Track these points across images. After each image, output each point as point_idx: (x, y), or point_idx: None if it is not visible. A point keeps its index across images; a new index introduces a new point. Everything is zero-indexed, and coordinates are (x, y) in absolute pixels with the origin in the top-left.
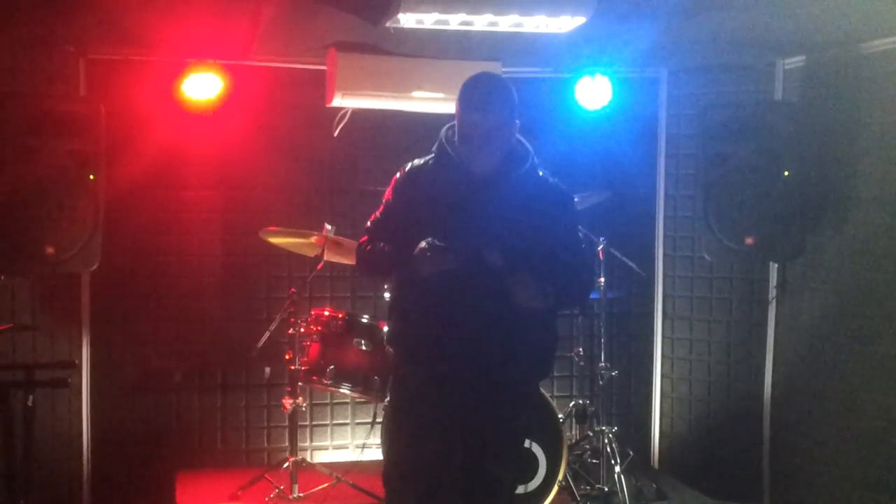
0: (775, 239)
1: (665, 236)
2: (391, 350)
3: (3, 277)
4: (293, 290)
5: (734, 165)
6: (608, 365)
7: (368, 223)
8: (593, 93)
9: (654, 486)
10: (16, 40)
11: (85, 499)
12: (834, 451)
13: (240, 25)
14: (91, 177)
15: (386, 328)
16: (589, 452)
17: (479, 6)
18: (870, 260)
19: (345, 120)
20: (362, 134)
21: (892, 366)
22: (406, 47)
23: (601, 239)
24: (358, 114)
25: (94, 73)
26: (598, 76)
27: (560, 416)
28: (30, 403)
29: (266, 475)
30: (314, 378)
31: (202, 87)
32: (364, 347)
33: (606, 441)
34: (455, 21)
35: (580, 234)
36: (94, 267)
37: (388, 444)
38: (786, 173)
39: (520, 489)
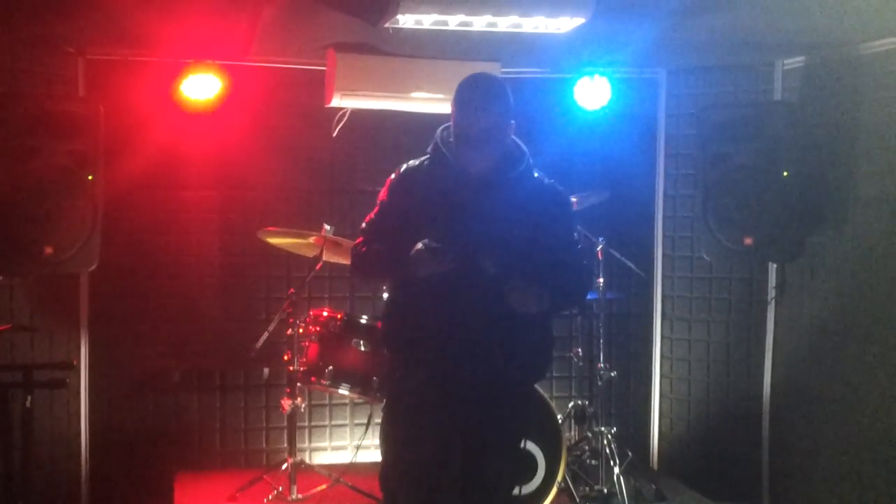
0: (774, 239)
1: (664, 237)
2: (387, 351)
3: (1, 278)
4: (292, 290)
5: (733, 166)
6: (607, 366)
7: (363, 224)
8: (592, 93)
9: (654, 486)
10: (15, 40)
11: (83, 500)
12: (833, 451)
13: (239, 26)
14: (90, 177)
15: (381, 328)
16: (588, 453)
17: (478, 7)
18: (869, 260)
19: (344, 120)
20: (361, 134)
21: (891, 366)
22: (405, 48)
23: (600, 239)
24: (357, 114)
25: (92, 73)
26: (597, 77)
27: (559, 416)
28: (28, 404)
29: (265, 476)
30: (313, 379)
31: (201, 87)
32: (363, 348)
33: (605, 442)
34: (454, 22)
35: (576, 235)
36: (93, 267)
37: (386, 445)
38: (785, 173)
39: (519, 490)
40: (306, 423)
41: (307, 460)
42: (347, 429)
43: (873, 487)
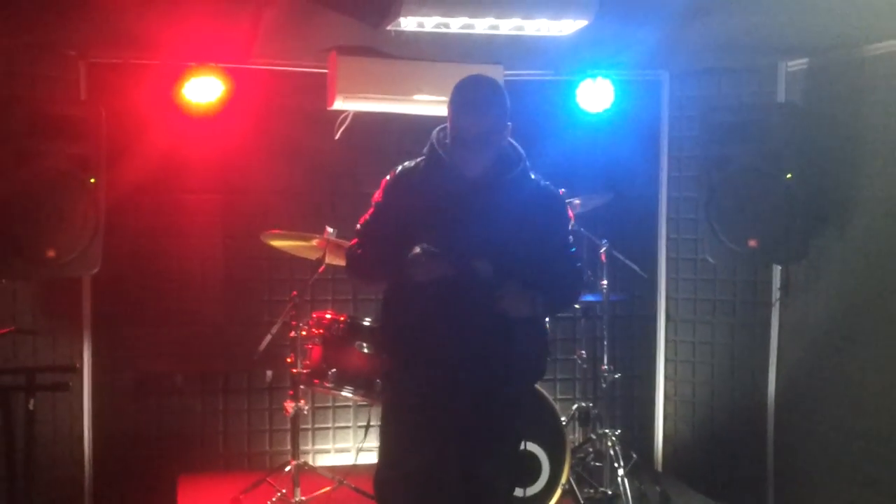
0: (778, 241)
1: (668, 239)
2: (383, 354)
3: (4, 281)
4: (295, 293)
5: (737, 168)
6: (611, 367)
7: (358, 226)
8: (595, 96)
9: (658, 488)
10: (16, 44)
11: (86, 502)
12: (838, 453)
13: (240, 28)
14: (92, 180)
15: (377, 333)
16: (592, 455)
17: (480, 9)
18: (873, 262)
19: (346, 123)
20: (363, 137)
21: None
22: (407, 50)
23: (604, 241)
24: (359, 117)
25: (94, 76)
26: (599, 79)
27: (563, 419)
28: (31, 407)
29: (268, 479)
30: (316, 381)
31: (203, 90)
32: (366, 350)
33: (609, 444)
34: (456, 24)
35: (571, 238)
36: (95, 270)
37: (382, 448)
38: (788, 175)
39: (523, 492)
40: (309, 426)
41: (310, 462)
42: (351, 431)
43: (878, 490)
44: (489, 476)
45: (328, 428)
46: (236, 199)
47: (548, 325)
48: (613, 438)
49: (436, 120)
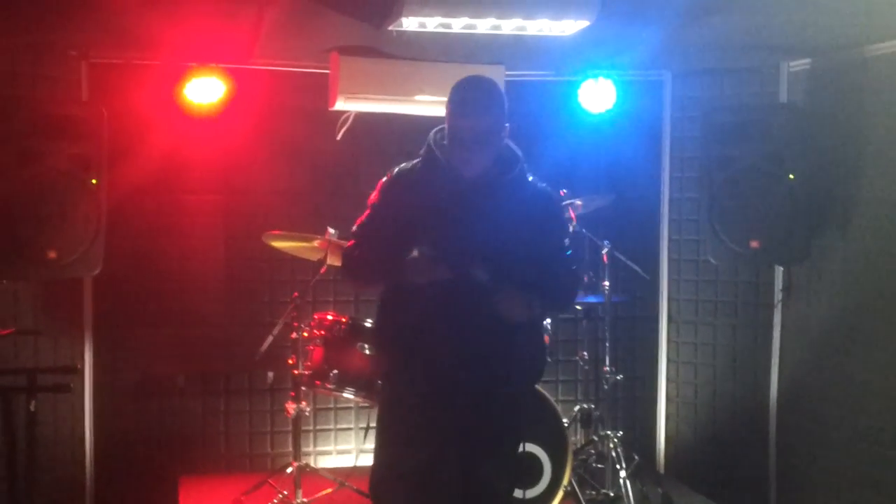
0: (780, 242)
1: (669, 240)
2: (380, 355)
3: (5, 282)
4: (296, 294)
5: (739, 168)
6: (613, 369)
7: (354, 228)
8: (597, 96)
9: (660, 490)
10: (18, 44)
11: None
12: (840, 455)
13: (242, 29)
14: (93, 181)
15: (374, 333)
16: (594, 457)
17: (482, 10)
18: (875, 263)
19: (347, 123)
20: (365, 137)
21: None
22: (409, 51)
23: (605, 242)
24: (361, 117)
25: (96, 76)
26: (601, 79)
27: (565, 420)
28: (32, 408)
29: (269, 480)
30: (317, 382)
31: (204, 90)
32: (367, 352)
33: (611, 445)
34: (458, 25)
35: (567, 240)
36: (97, 271)
37: (378, 449)
38: (791, 176)
39: (525, 494)
40: (311, 427)
41: (312, 464)
42: (352, 432)
43: (881, 491)
44: (487, 477)
45: (330, 429)
46: (238, 199)
47: (549, 326)
48: (615, 440)
49: (437, 120)
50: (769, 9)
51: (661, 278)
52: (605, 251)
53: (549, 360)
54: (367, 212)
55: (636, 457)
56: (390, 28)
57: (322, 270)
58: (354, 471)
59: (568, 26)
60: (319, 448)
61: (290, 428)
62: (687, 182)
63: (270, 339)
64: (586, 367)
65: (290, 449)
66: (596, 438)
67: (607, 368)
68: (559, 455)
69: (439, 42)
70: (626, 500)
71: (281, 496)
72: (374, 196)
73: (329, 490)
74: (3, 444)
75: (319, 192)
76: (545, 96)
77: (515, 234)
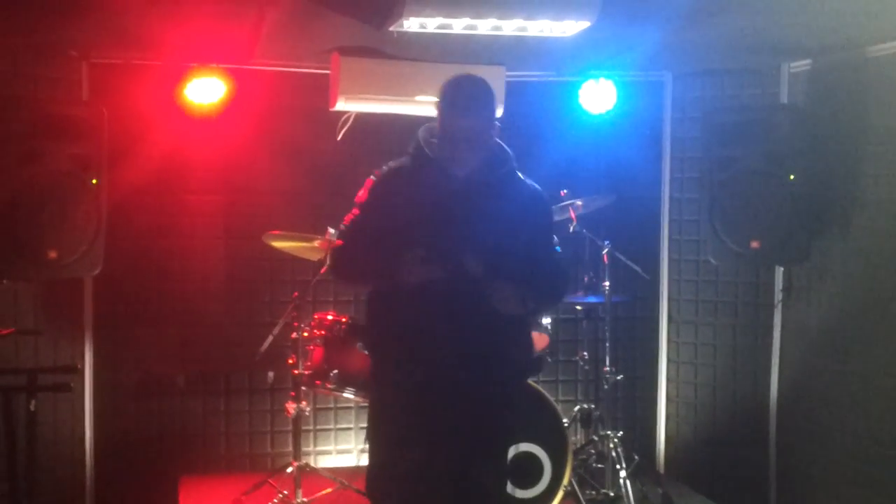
0: (781, 243)
1: (670, 240)
2: (371, 354)
3: (5, 282)
4: (296, 294)
5: (739, 169)
6: (613, 369)
7: (342, 226)
8: (598, 97)
9: (660, 490)
10: (19, 44)
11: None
12: (840, 455)
13: (243, 29)
14: (94, 181)
15: (363, 332)
16: (594, 457)
17: (482, 10)
18: (876, 263)
19: (348, 124)
20: (365, 138)
21: None
22: (409, 51)
23: (606, 242)
24: (361, 118)
25: (96, 77)
26: (602, 80)
27: (565, 420)
28: (32, 408)
29: (269, 480)
30: (318, 382)
31: (205, 91)
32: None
33: (612, 445)
34: (459, 25)
35: (555, 237)
36: (97, 271)
37: (373, 448)
38: (791, 177)
39: (525, 494)
40: (311, 427)
41: (312, 464)
42: (352, 432)
43: (880, 492)
44: (480, 475)
45: (330, 429)
46: (238, 199)
47: (549, 327)
48: (615, 440)
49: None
50: (770, 10)
51: (661, 278)
52: (605, 251)
53: (549, 360)
54: (356, 210)
55: (636, 457)
56: (391, 29)
57: (322, 270)
58: (354, 471)
59: (569, 27)
60: (319, 448)
61: (290, 428)
62: (687, 182)
63: (271, 338)
64: (586, 368)
65: (291, 449)
66: (596, 438)
67: (607, 368)
68: (559, 455)
69: (440, 43)
70: (626, 499)
71: (281, 496)
72: (362, 194)
73: (329, 490)
74: (3, 443)
75: (320, 193)
76: (546, 97)
77: (507, 231)
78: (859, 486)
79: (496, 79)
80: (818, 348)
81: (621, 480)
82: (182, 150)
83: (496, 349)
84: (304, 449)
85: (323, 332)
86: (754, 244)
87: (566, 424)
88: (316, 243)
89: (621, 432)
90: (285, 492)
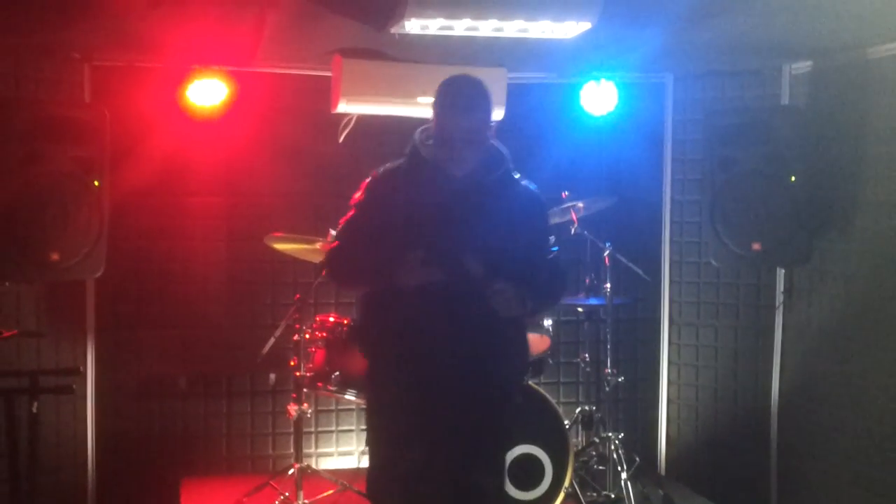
0: (782, 244)
1: (671, 242)
2: (367, 356)
3: (7, 284)
4: (298, 296)
5: (741, 170)
6: (614, 371)
7: (338, 228)
8: (599, 98)
9: (661, 492)
10: (21, 47)
11: None
12: (842, 457)
13: (244, 32)
14: (96, 183)
15: (357, 333)
16: (595, 459)
17: (484, 12)
18: (877, 265)
19: (350, 126)
20: (367, 140)
21: None
22: (411, 53)
23: (607, 244)
24: (363, 120)
25: (98, 79)
26: (603, 81)
27: (566, 422)
28: (34, 410)
29: (271, 482)
30: (319, 384)
31: (207, 93)
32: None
33: (613, 447)
34: (460, 27)
35: (553, 238)
36: (99, 273)
37: (372, 449)
38: (792, 178)
39: (526, 496)
40: (313, 429)
41: (314, 466)
42: (354, 434)
43: (882, 493)
44: (480, 476)
45: (331, 431)
46: (240, 201)
47: (550, 329)
48: (617, 442)
49: None
50: (771, 11)
51: (662, 280)
52: (606, 253)
53: (550, 362)
54: (352, 212)
55: (637, 458)
56: (392, 30)
57: (324, 272)
58: (356, 472)
59: (570, 28)
60: (321, 450)
61: (291, 430)
62: (689, 184)
63: (272, 340)
64: (588, 369)
65: (292, 451)
66: (597, 440)
67: (609, 370)
68: (560, 457)
69: (441, 44)
70: (627, 501)
71: (282, 498)
72: (358, 196)
73: (330, 492)
74: (5, 445)
75: (321, 195)
76: (547, 98)
77: (506, 232)
78: (860, 487)
79: (497, 80)
80: (819, 350)
81: (622, 482)
82: (184, 152)
83: (494, 350)
84: (306, 451)
85: (325, 335)
86: (755, 246)
87: (567, 426)
88: (318, 245)
89: (622, 434)
90: (287, 494)
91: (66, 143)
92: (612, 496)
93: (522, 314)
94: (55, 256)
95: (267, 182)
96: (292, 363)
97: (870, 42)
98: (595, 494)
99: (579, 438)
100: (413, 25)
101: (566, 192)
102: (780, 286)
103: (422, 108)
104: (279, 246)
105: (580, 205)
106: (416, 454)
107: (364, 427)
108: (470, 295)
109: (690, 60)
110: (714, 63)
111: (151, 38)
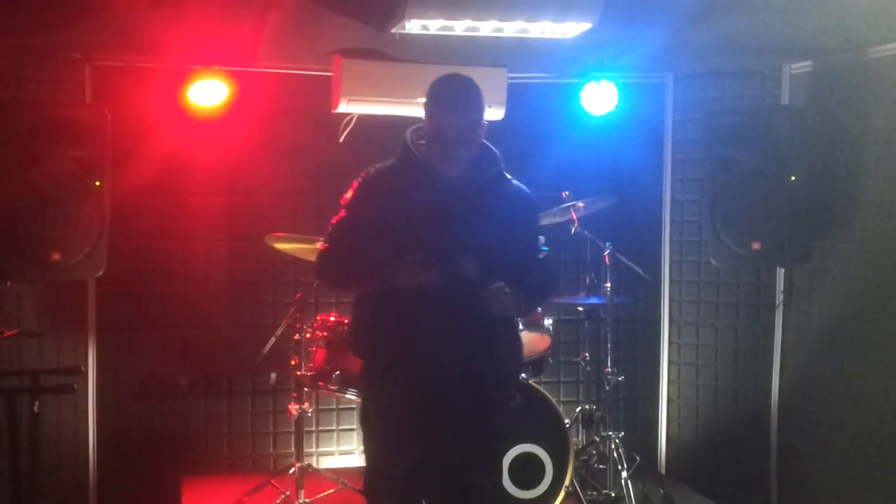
0: (782, 244)
1: (671, 241)
2: (363, 357)
3: (9, 284)
4: (299, 295)
5: (740, 170)
6: (615, 370)
7: (329, 228)
8: (599, 98)
9: (661, 491)
10: (22, 47)
11: None
12: (842, 456)
13: (245, 32)
14: (97, 183)
15: (352, 334)
16: (595, 458)
17: (484, 12)
18: (876, 264)
19: (350, 126)
20: (367, 139)
21: None
22: (411, 53)
23: (607, 244)
24: (363, 119)
25: (99, 79)
26: (603, 81)
27: (566, 421)
28: (36, 409)
29: (272, 481)
30: (320, 383)
31: (208, 93)
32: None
33: (613, 446)
34: (461, 27)
35: (542, 238)
36: (100, 273)
37: (369, 449)
38: (792, 178)
39: (526, 494)
40: (314, 428)
41: (314, 465)
42: (355, 433)
43: (881, 492)
44: (476, 475)
45: (332, 430)
46: (240, 201)
47: (550, 328)
48: (617, 441)
49: None
50: (771, 11)
51: (662, 280)
52: (606, 253)
53: (551, 361)
54: (343, 213)
55: (637, 457)
56: (393, 31)
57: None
58: (356, 471)
59: (570, 29)
60: (322, 449)
61: (292, 429)
62: (689, 184)
63: (273, 340)
64: (588, 369)
65: (293, 450)
66: (597, 439)
67: (609, 369)
68: (561, 455)
69: (442, 44)
70: (627, 500)
71: (283, 497)
72: (349, 196)
73: (331, 490)
74: (6, 445)
75: (322, 194)
76: (547, 98)
77: (499, 232)
78: (860, 487)
79: (498, 80)
80: (819, 349)
81: (623, 481)
82: (185, 152)
83: (489, 350)
84: (307, 450)
85: (325, 334)
86: (755, 245)
87: (568, 425)
88: (318, 245)
89: (623, 433)
90: (287, 493)
91: (66, 144)
92: (613, 495)
93: (515, 314)
94: (56, 256)
95: (267, 182)
96: (293, 362)
97: (870, 42)
98: (595, 493)
99: (580, 437)
100: (413, 25)
101: (566, 192)
102: (780, 285)
103: (422, 108)
104: (280, 245)
105: (580, 204)
106: (412, 454)
107: None
108: (465, 295)
109: (690, 60)
110: (714, 63)
111: (152, 39)
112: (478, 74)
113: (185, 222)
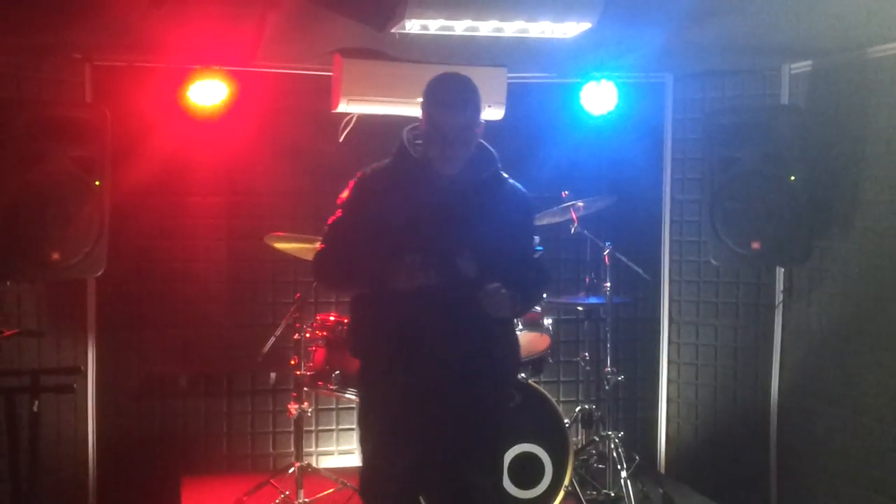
0: (782, 243)
1: (671, 241)
2: (361, 358)
3: (8, 283)
4: (298, 295)
5: (740, 170)
6: (614, 370)
7: (326, 229)
8: (599, 98)
9: (661, 490)
10: (22, 46)
11: None
12: (842, 456)
13: (245, 31)
14: (97, 183)
15: (349, 335)
16: (595, 457)
17: (484, 12)
18: (876, 264)
19: (350, 125)
20: (367, 139)
21: None
22: (411, 53)
23: (607, 244)
24: (363, 119)
25: (99, 79)
26: (603, 81)
27: (566, 421)
28: (35, 409)
29: (271, 480)
30: (320, 383)
31: (208, 93)
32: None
33: (612, 446)
34: (460, 27)
35: (537, 238)
36: (100, 273)
37: (366, 449)
38: (792, 178)
39: (526, 494)
40: (313, 428)
41: (314, 464)
42: (354, 433)
43: (881, 492)
44: (474, 475)
45: (331, 430)
46: (240, 201)
47: (550, 327)
48: (616, 440)
49: None
50: (771, 11)
51: (662, 279)
52: (606, 252)
53: (550, 360)
54: (339, 213)
55: (637, 457)
56: (393, 30)
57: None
58: (356, 471)
59: (570, 29)
60: (321, 448)
61: (292, 428)
62: (688, 183)
63: (273, 340)
64: (588, 368)
65: (292, 449)
66: (597, 439)
67: (608, 369)
68: (560, 455)
69: (441, 44)
70: (626, 500)
71: (283, 496)
72: (345, 196)
73: (331, 490)
74: (6, 444)
75: (322, 194)
76: (547, 98)
77: (497, 231)
78: (859, 486)
79: (497, 80)
80: (819, 349)
81: (622, 480)
82: (185, 151)
83: (486, 350)
84: (306, 449)
85: (325, 334)
86: (755, 245)
87: (567, 425)
88: (318, 245)
89: (622, 433)
90: (287, 492)
91: (67, 143)
92: (612, 494)
93: (511, 315)
94: (56, 256)
95: (267, 181)
96: (293, 362)
97: (870, 42)
98: (595, 493)
99: (579, 437)
100: (413, 25)
101: (566, 192)
102: (780, 285)
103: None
104: (280, 245)
105: (580, 204)
106: (410, 454)
107: None
108: (462, 295)
109: (690, 60)
110: (714, 63)
111: (152, 38)
112: (478, 74)
113: (185, 222)
